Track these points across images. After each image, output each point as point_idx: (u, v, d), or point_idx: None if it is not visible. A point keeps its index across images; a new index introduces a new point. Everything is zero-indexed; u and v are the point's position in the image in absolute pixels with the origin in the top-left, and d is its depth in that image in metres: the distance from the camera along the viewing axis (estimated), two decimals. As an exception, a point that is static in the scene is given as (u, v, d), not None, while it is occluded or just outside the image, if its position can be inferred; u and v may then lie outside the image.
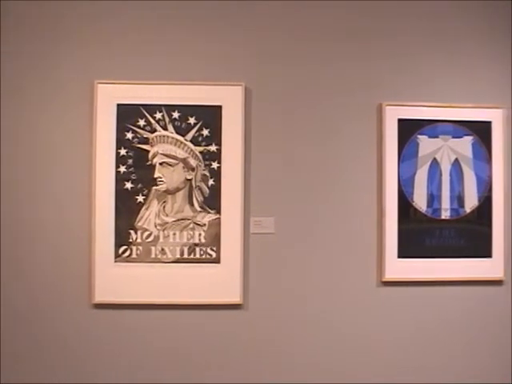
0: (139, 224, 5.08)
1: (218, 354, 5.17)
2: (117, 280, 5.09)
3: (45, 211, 5.10)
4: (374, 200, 5.22)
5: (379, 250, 5.21)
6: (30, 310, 5.10)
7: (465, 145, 5.30)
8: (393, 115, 5.21)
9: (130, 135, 5.09)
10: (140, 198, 5.08)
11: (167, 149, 5.10)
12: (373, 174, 5.22)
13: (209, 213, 5.10)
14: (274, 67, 5.20)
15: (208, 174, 5.10)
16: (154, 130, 5.09)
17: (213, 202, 5.10)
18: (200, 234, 5.10)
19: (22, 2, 5.16)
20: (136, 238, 5.08)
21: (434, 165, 5.25)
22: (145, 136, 5.09)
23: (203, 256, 5.10)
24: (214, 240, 5.10)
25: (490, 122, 5.31)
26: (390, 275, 5.21)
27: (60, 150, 5.11)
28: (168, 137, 5.10)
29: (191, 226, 5.10)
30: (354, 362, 5.24)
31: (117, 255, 5.08)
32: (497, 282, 5.34)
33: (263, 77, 5.19)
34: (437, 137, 5.25)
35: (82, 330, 5.12)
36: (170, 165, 5.09)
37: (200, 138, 5.11)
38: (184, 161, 5.10)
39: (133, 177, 5.07)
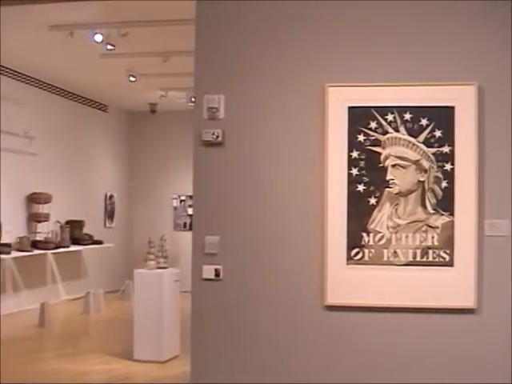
0: (371, 226, 5.07)
1: (449, 359, 5.07)
2: (348, 282, 5.10)
3: (278, 213, 5.17)
4: None
5: None
6: (266, 309, 5.18)
7: None
8: None
9: (361, 137, 5.08)
10: (372, 201, 5.06)
11: (399, 151, 5.06)
12: None
13: (442, 215, 5.03)
14: (507, 65, 5.05)
15: (441, 176, 5.03)
16: (385, 132, 5.07)
17: (446, 204, 5.03)
18: (433, 237, 5.03)
19: (254, 2, 5.24)
20: (368, 241, 5.07)
21: None
22: (376, 138, 5.08)
23: (436, 259, 5.03)
24: (447, 243, 5.02)
25: None
26: None
27: (292, 153, 5.17)
28: (400, 139, 5.06)
29: (424, 228, 5.04)
30: None
31: (349, 258, 5.09)
32: None
33: (496, 75, 5.05)
34: None
35: (314, 330, 5.16)
36: (403, 167, 5.05)
37: (432, 140, 5.05)
38: (416, 163, 5.04)
39: (365, 179, 5.07)
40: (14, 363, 9.35)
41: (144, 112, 17.77)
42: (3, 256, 12.72)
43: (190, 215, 17.08)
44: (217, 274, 5.20)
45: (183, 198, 17.72)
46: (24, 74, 14.18)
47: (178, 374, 8.48)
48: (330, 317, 5.14)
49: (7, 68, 13.57)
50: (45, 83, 14.99)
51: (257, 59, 5.23)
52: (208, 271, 5.21)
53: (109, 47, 10.88)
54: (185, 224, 17.88)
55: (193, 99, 5.32)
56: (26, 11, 9.13)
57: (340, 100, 5.10)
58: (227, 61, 5.24)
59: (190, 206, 16.91)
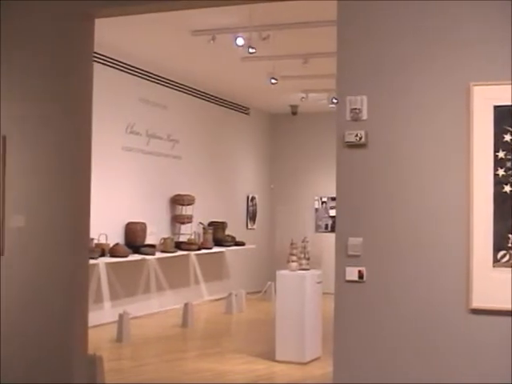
0: (519, 228, 4.93)
1: None
2: (495, 285, 4.95)
3: (422, 215, 5.09)
4: None
5: None
6: (409, 311, 5.12)
7: None
8: None
9: (508, 137, 4.94)
10: (519, 202, 4.93)
11: (548, 150, 4.91)
12: None
13: None
14: None
15: None
16: (533, 132, 4.92)
17: None
18: None
19: (396, 2, 5.19)
20: (515, 243, 4.93)
21: None
22: (523, 138, 4.94)
23: None
24: None
25: None
26: None
27: (436, 154, 5.09)
28: (548, 138, 4.91)
29: None
30: None
31: (495, 260, 4.95)
32: None
33: None
34: None
35: (459, 333, 5.04)
36: (548, 167, 4.89)
37: None
38: (560, 163, 4.88)
39: (512, 180, 4.93)
40: (158, 361, 9.61)
41: (285, 114, 17.93)
42: (148, 257, 13.10)
43: (332, 217, 17.10)
44: (360, 275, 5.17)
45: (324, 199, 17.70)
46: (167, 79, 14.54)
47: (320, 375, 8.52)
48: (475, 320, 5.01)
49: (151, 73, 13.96)
50: (187, 87, 15.33)
51: (399, 59, 5.17)
52: (351, 273, 5.20)
53: (250, 50, 11.01)
54: (326, 226, 17.91)
55: (334, 100, 5.30)
56: (169, 17, 9.35)
57: (485, 99, 4.97)
58: (369, 61, 5.21)
59: (331, 208, 16.91)
